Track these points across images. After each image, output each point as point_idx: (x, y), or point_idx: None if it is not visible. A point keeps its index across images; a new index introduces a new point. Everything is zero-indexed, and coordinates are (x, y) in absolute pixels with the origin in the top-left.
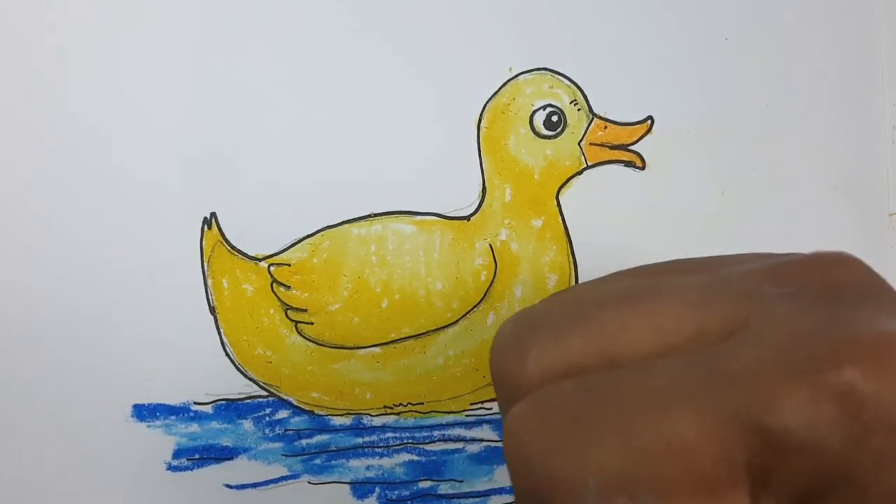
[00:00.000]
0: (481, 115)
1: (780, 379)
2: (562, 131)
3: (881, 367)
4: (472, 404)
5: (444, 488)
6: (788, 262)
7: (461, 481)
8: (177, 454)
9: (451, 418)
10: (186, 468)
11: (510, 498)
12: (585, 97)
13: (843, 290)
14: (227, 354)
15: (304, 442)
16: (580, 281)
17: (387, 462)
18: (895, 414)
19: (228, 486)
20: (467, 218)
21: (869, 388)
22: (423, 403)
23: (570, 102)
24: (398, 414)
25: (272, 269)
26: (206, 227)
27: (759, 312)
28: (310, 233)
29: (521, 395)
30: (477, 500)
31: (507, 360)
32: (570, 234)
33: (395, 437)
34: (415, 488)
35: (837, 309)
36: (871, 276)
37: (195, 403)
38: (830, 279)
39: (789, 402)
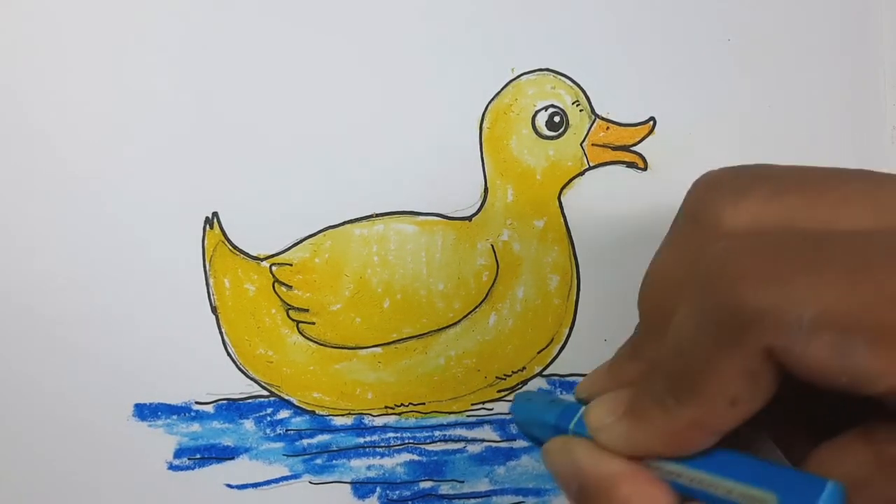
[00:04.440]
0: (483, 116)
1: None
2: (564, 132)
3: None
4: (473, 405)
5: (445, 488)
6: None
7: (462, 482)
8: (178, 454)
9: (452, 419)
10: (188, 467)
11: (513, 498)
12: (588, 98)
13: None
14: (229, 354)
15: (305, 442)
16: (583, 282)
17: (388, 462)
18: None
19: (229, 485)
20: (469, 218)
21: None
22: (424, 404)
23: (573, 103)
24: (399, 414)
25: (274, 268)
26: (207, 226)
27: None
28: (312, 233)
29: (722, 232)
30: (478, 500)
31: (718, 197)
32: (572, 234)
33: (397, 438)
34: (416, 488)
35: None
36: None
37: (196, 403)
38: None
39: None
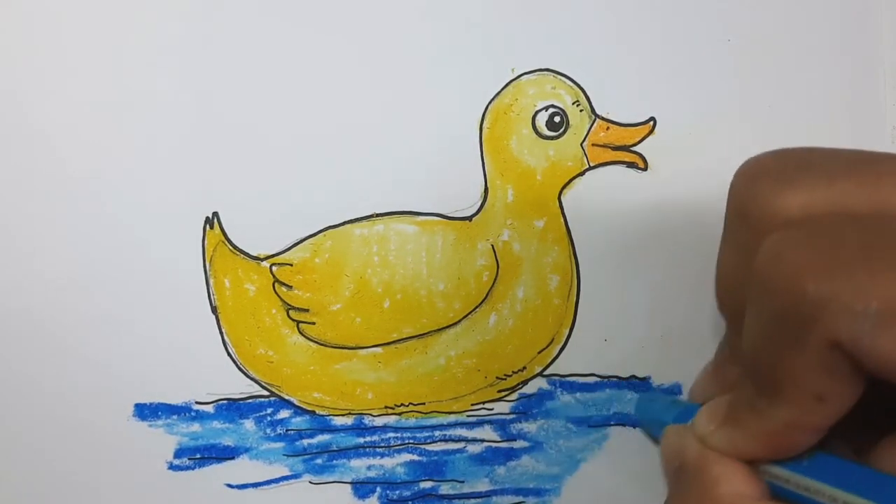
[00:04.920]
0: (484, 116)
1: None
2: (564, 132)
3: None
4: (473, 405)
5: (445, 489)
6: None
7: (462, 482)
8: (178, 453)
9: (452, 419)
10: (188, 468)
11: (513, 498)
12: (588, 98)
13: None
14: (229, 354)
15: (305, 442)
16: (583, 283)
17: (388, 462)
18: None
19: (230, 485)
20: (469, 218)
21: None
22: (424, 404)
23: (573, 103)
24: (399, 414)
25: (274, 268)
26: (208, 226)
27: None
28: (312, 233)
29: (773, 225)
30: (477, 500)
31: (765, 188)
32: (573, 234)
33: (397, 438)
34: (416, 488)
35: None
36: None
37: (197, 403)
38: None
39: None
